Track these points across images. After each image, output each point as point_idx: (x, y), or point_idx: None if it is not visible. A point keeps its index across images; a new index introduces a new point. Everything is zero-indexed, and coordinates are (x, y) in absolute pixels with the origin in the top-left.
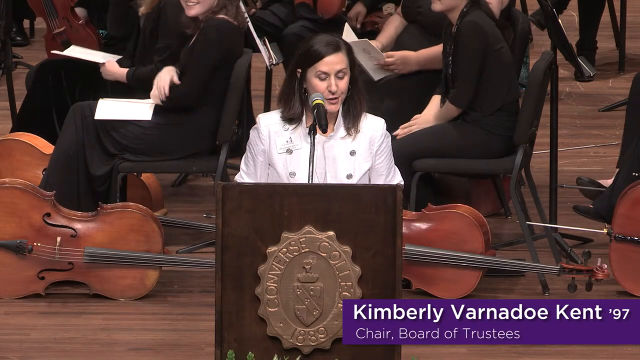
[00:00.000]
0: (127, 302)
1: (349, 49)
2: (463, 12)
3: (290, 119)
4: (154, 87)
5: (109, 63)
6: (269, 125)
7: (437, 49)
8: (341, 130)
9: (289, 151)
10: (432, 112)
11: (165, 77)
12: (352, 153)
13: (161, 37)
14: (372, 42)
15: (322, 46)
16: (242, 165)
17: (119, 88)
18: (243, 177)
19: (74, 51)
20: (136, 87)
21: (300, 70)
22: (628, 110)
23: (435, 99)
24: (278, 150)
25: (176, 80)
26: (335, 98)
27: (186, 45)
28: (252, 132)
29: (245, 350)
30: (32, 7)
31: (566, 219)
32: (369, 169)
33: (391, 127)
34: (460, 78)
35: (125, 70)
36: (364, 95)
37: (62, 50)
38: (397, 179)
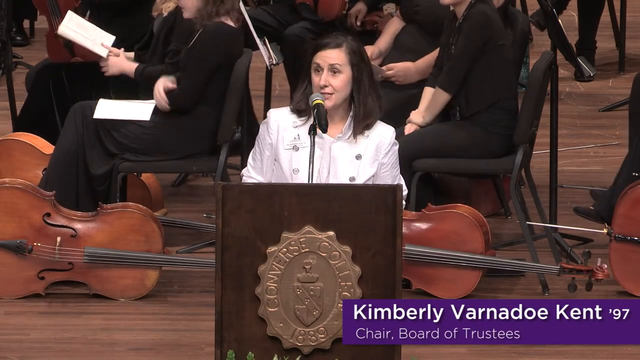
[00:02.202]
0: (127, 302)
1: (353, 50)
2: (471, 4)
3: (299, 110)
4: (154, 96)
5: (118, 57)
6: (279, 120)
7: (435, 55)
8: (349, 133)
9: (295, 148)
10: (423, 105)
11: (159, 85)
12: (358, 157)
13: (175, 40)
14: (370, 47)
15: (324, 40)
16: (250, 160)
17: (121, 88)
18: (250, 170)
19: (75, 30)
20: (142, 85)
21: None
22: (630, 110)
23: (427, 93)
24: (285, 146)
25: (169, 85)
26: (327, 93)
27: (186, 45)
28: (262, 126)
29: (245, 350)
30: (36, 6)
31: (566, 219)
32: (373, 175)
33: (391, 122)
34: (453, 62)
35: (134, 65)
36: (374, 100)
37: (64, 50)
38: None
